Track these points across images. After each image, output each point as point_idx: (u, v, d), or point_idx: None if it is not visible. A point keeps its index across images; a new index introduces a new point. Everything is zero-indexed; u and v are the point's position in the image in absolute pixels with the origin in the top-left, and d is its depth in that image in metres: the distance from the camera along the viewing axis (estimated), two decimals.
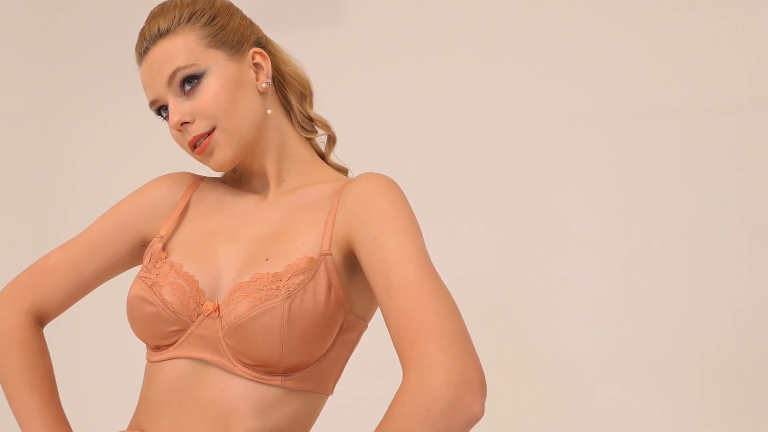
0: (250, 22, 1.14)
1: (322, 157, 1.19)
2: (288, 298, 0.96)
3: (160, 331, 1.03)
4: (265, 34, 1.16)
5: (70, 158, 2.54)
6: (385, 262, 0.93)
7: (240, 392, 0.99)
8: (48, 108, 2.57)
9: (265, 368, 0.98)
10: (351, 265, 1.03)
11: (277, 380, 0.99)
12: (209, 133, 1.05)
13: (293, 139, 1.13)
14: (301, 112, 1.14)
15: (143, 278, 1.05)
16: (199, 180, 1.20)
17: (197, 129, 1.05)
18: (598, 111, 1.98)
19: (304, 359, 0.99)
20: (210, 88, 1.04)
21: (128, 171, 2.43)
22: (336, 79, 2.15)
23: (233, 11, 1.11)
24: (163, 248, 1.10)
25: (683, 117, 1.91)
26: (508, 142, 2.05)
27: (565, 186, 1.99)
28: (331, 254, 1.00)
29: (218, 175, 1.24)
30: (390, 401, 0.87)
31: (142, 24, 1.10)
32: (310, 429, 1.07)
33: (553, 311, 1.97)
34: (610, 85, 1.97)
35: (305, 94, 1.16)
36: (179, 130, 1.06)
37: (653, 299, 1.89)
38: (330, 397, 1.10)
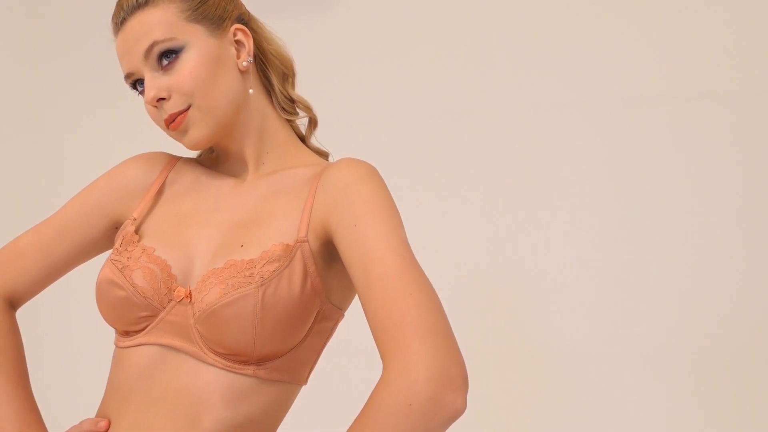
0: None
1: (303, 140, 1.16)
2: (262, 285, 0.93)
3: (130, 316, 1.00)
4: (248, 10, 1.13)
5: (58, 151, 2.53)
6: (365, 251, 0.92)
7: (210, 381, 0.96)
8: (35, 101, 2.56)
9: (237, 357, 0.96)
10: (328, 252, 1.00)
11: (250, 369, 0.96)
12: (185, 111, 1.02)
13: (274, 120, 1.10)
14: (282, 93, 1.11)
15: (114, 261, 1.02)
16: (175, 160, 1.17)
17: (173, 106, 1.01)
18: (589, 98, 1.97)
19: (278, 348, 0.96)
20: (188, 64, 1.01)
21: (115, 163, 2.43)
22: (326, 67, 2.13)
23: None
24: (136, 231, 1.07)
25: (676, 104, 1.90)
26: (499, 129, 2.04)
27: (559, 175, 1.98)
28: (308, 241, 0.98)
29: (195, 155, 1.21)
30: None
31: None
32: (282, 419, 1.05)
33: (547, 301, 1.96)
34: (601, 72, 1.96)
35: (287, 75, 1.12)
36: (155, 106, 1.03)
37: (647, 289, 1.89)
38: (310, 388, 1.08)
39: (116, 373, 1.03)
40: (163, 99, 1.02)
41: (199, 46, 1.02)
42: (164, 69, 1.01)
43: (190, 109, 1.02)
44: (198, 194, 1.10)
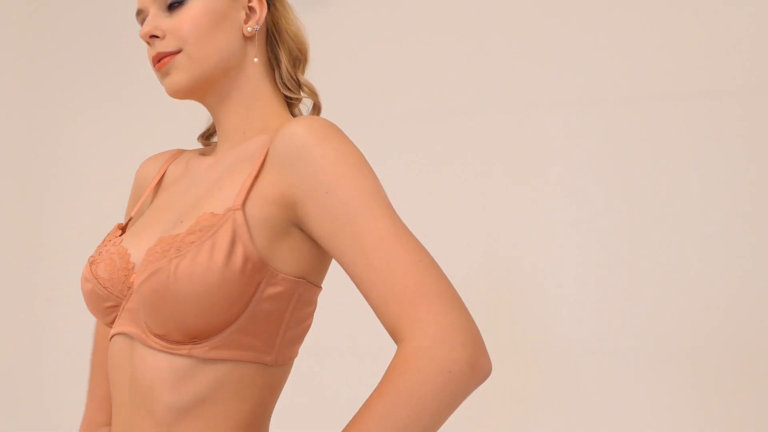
0: None
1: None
2: (176, 257, 0.89)
3: (99, 307, 1.01)
4: None
5: (52, 147, 2.52)
6: (350, 219, 0.87)
7: (155, 365, 0.93)
8: (30, 98, 2.55)
9: (169, 336, 0.91)
10: (279, 221, 0.93)
11: (185, 349, 0.91)
12: (174, 53, 1.01)
13: (269, 95, 1.06)
14: (289, 72, 1.07)
15: (90, 257, 1.04)
16: (179, 153, 1.17)
17: (164, 46, 1.01)
18: (595, 95, 1.96)
19: (209, 322, 0.89)
20: (191, 11, 1.01)
21: (109, 161, 2.42)
22: (326, 62, 2.11)
23: None
24: (124, 227, 1.09)
25: (682, 101, 1.89)
26: (500, 125, 2.03)
27: (558, 170, 1.97)
28: (242, 209, 0.92)
29: (201, 145, 1.20)
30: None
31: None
32: (258, 402, 0.96)
33: (545, 296, 1.95)
34: (602, 69, 1.96)
35: (299, 58, 1.09)
36: (147, 43, 1.03)
37: (645, 285, 1.88)
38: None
39: (108, 366, 1.03)
40: (156, 37, 1.02)
41: None
42: (170, 11, 1.02)
43: (180, 54, 1.01)
44: (182, 179, 1.09)
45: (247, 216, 0.92)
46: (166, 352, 0.92)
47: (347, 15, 2.19)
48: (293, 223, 0.93)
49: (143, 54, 2.35)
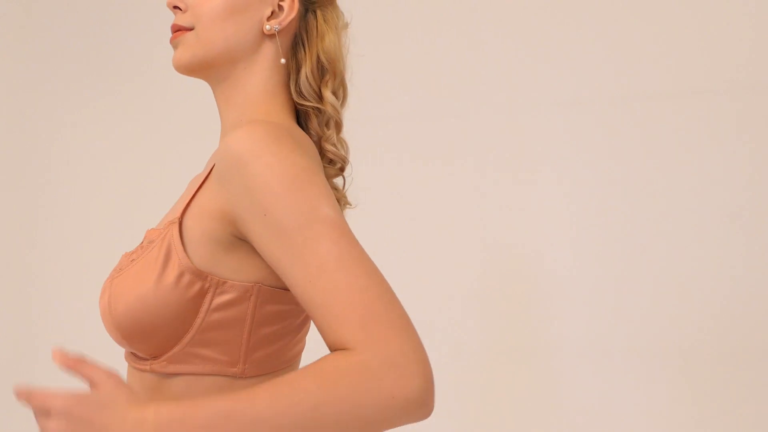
0: None
1: (321, 140, 1.06)
2: (117, 277, 0.91)
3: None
4: (337, 8, 1.09)
5: (47, 149, 2.51)
6: (289, 243, 0.80)
7: (131, 381, 0.95)
8: (24, 100, 2.53)
9: (136, 353, 0.93)
10: (223, 234, 0.89)
11: (147, 365, 0.91)
12: (187, 29, 1.01)
13: (272, 97, 1.02)
14: (309, 81, 1.02)
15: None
16: None
17: (182, 19, 1.01)
18: (592, 94, 1.96)
19: (158, 338, 0.88)
20: None
21: (104, 163, 2.41)
22: None
23: None
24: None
25: (678, 99, 1.89)
26: (499, 125, 2.03)
27: (553, 170, 1.97)
28: (178, 222, 0.90)
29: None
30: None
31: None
32: None
33: (538, 296, 1.95)
34: (597, 68, 1.96)
35: (327, 72, 1.04)
36: (172, 12, 1.03)
37: (640, 284, 1.89)
38: None
39: None
40: (179, 9, 1.02)
41: None
42: None
43: (191, 31, 1.01)
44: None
45: (184, 229, 0.90)
46: (134, 367, 0.94)
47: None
48: (238, 237, 0.88)
49: (139, 55, 2.35)
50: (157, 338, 0.89)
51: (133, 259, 0.91)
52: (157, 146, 2.35)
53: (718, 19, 1.88)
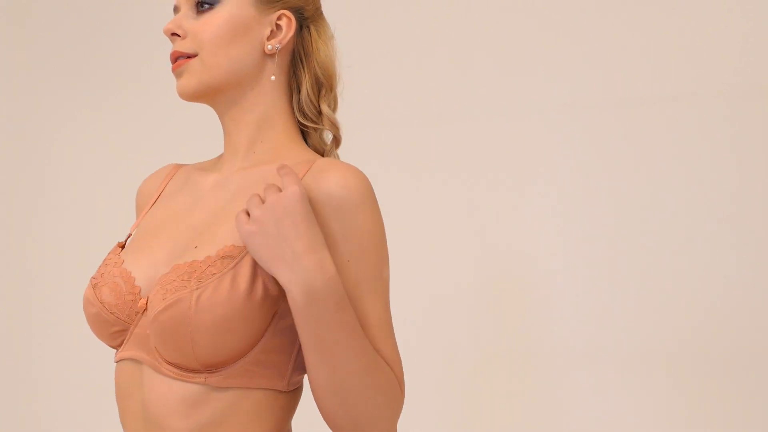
0: None
1: (323, 154, 1.11)
2: (198, 288, 0.90)
3: (105, 332, 1.01)
4: (324, 19, 1.11)
5: (45, 151, 2.52)
6: (357, 291, 0.95)
7: (166, 392, 0.94)
8: (20, 105, 2.55)
9: (184, 364, 0.93)
10: None
11: (201, 377, 0.93)
12: (190, 56, 1.02)
13: (282, 115, 1.06)
14: (310, 100, 1.07)
15: (92, 279, 1.03)
16: (178, 168, 1.16)
17: (182, 46, 1.03)
18: (580, 99, 1.97)
19: (226, 353, 0.92)
20: (215, 18, 1.02)
21: (101, 165, 2.43)
22: None
23: None
24: (124, 244, 1.07)
25: (666, 104, 1.91)
26: (490, 130, 2.04)
27: (547, 176, 1.99)
28: None
29: (203, 158, 1.19)
30: None
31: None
32: (277, 424, 0.98)
33: (529, 302, 1.97)
34: (587, 74, 1.97)
35: (323, 86, 1.08)
36: (169, 39, 1.05)
37: (629, 289, 1.90)
38: None
39: (115, 392, 1.03)
40: (177, 36, 1.03)
41: (236, 8, 1.02)
42: (198, 14, 1.03)
43: (195, 58, 1.02)
44: (183, 195, 1.09)
45: None
46: (179, 379, 0.93)
47: (332, 24, 2.20)
48: None
49: (135, 59, 2.38)
50: (227, 352, 0.92)
51: (214, 273, 0.92)
52: (155, 150, 2.36)
53: (706, 24, 1.89)
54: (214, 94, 1.04)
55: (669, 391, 1.87)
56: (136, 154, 2.37)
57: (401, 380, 0.99)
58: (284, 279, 0.89)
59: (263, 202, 0.91)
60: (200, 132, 2.03)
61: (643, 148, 1.92)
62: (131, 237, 1.10)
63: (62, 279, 2.37)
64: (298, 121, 1.08)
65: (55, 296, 2.42)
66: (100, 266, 1.04)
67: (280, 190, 0.91)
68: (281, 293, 0.93)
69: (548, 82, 2.00)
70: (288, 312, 0.95)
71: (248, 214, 0.91)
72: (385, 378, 0.95)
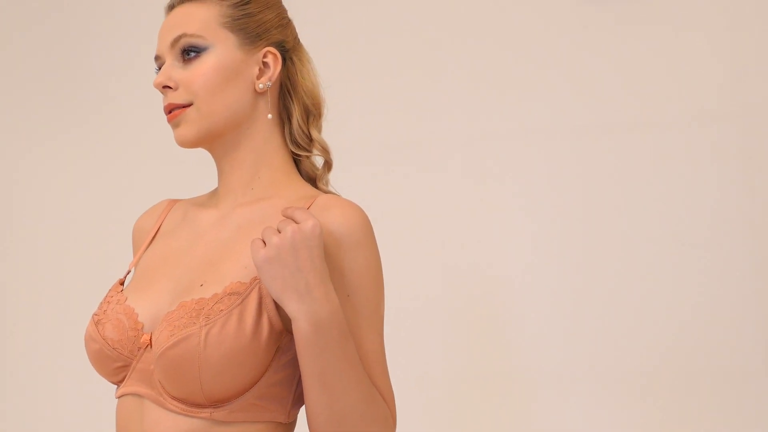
0: (287, 23, 1.11)
1: (315, 181, 1.14)
2: (206, 325, 0.93)
3: (108, 367, 1.02)
4: (302, 46, 1.13)
5: (11, 173, 2.48)
6: (356, 326, 0.97)
7: (170, 426, 0.96)
8: None
9: (190, 400, 0.95)
10: None
11: (206, 412, 0.95)
12: (185, 106, 1.03)
13: (277, 150, 1.08)
14: (301, 128, 1.09)
15: (94, 315, 1.04)
16: (173, 203, 1.18)
17: (175, 98, 1.03)
18: (562, 124, 2.00)
19: (232, 388, 0.94)
20: (204, 66, 1.03)
21: (70, 187, 2.39)
22: None
23: (272, 5, 1.09)
24: (124, 281, 1.10)
25: (641, 130, 1.94)
26: (465, 149, 2.06)
27: (520, 196, 2.01)
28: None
29: (197, 194, 1.21)
30: None
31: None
32: None
33: (511, 320, 1.98)
34: (574, 98, 2.00)
35: (312, 113, 1.10)
36: (161, 92, 1.05)
37: (600, 310, 1.92)
38: None
39: (116, 427, 1.04)
40: (169, 88, 1.04)
41: (222, 52, 1.03)
42: (185, 62, 1.04)
43: (191, 107, 1.03)
44: (182, 232, 1.11)
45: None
46: (184, 414, 0.95)
47: (311, 44, 2.19)
48: None
49: (107, 83, 2.35)
50: (234, 388, 0.94)
51: (222, 309, 0.93)
52: (124, 175, 2.34)
53: (686, 50, 1.93)
54: (213, 139, 1.06)
55: (642, 409, 1.88)
56: (104, 179, 2.35)
57: (394, 415, 1.01)
58: (292, 308, 0.91)
59: (279, 232, 0.93)
60: (170, 159, 2.01)
61: (619, 173, 1.95)
62: (131, 274, 1.12)
63: (40, 308, 2.34)
64: (291, 151, 1.10)
65: (31, 332, 2.37)
66: (101, 303, 1.06)
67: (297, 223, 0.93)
68: (283, 327, 0.96)
69: (527, 106, 2.02)
70: (289, 346, 0.97)
71: (264, 243, 0.93)
72: (380, 411, 0.97)
